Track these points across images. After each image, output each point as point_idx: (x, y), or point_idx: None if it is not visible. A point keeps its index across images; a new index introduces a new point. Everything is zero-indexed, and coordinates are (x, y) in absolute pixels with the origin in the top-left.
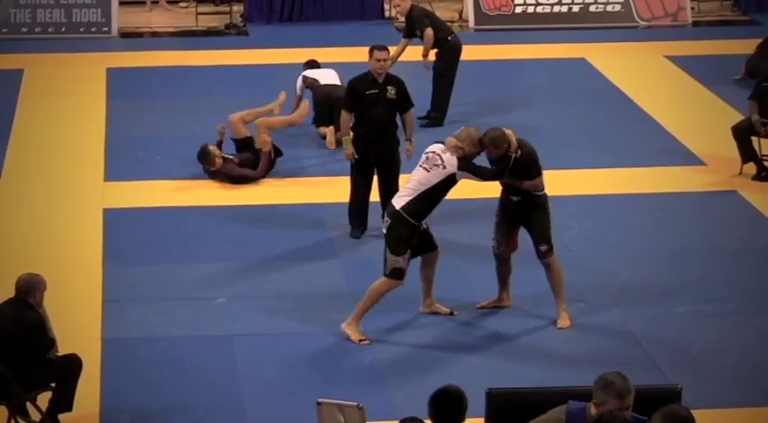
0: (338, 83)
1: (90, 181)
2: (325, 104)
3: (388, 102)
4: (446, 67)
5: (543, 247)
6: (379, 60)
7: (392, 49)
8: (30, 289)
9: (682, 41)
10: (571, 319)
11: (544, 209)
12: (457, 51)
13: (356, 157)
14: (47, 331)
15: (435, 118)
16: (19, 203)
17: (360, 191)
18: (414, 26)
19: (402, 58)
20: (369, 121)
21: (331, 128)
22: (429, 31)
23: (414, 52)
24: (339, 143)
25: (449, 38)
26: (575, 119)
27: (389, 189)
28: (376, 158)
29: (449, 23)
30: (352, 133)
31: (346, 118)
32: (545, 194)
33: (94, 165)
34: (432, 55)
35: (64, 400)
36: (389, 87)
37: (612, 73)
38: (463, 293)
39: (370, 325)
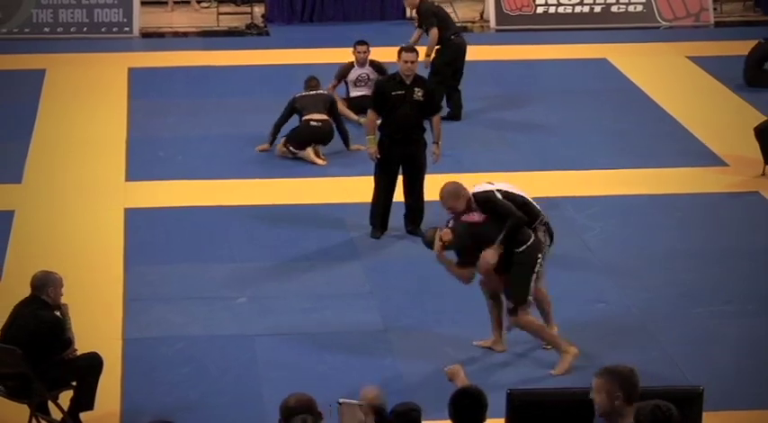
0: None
1: (111, 181)
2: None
3: (415, 103)
4: (442, 65)
5: (510, 305)
6: (406, 62)
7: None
8: (43, 286)
9: (704, 42)
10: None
11: (524, 265)
12: (458, 51)
13: (378, 156)
14: (63, 331)
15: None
16: (41, 203)
17: (382, 191)
18: (421, 21)
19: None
20: (394, 122)
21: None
22: (434, 32)
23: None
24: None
25: (452, 37)
26: (596, 119)
27: (413, 191)
28: (401, 159)
29: (469, 23)
30: (378, 133)
31: (372, 117)
32: (530, 247)
33: (116, 164)
34: (433, 53)
35: (85, 399)
36: (417, 89)
37: (634, 73)
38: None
39: (390, 325)
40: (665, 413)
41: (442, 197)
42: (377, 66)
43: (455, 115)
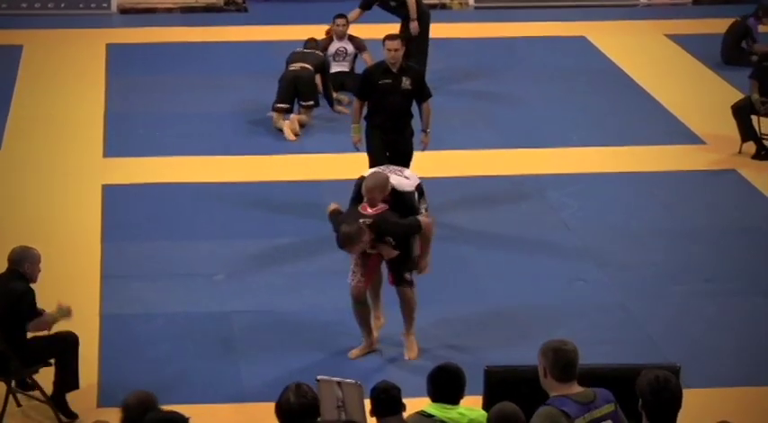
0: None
1: (89, 157)
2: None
3: (403, 92)
4: (421, 36)
5: (408, 276)
6: (390, 50)
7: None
8: (20, 261)
9: (682, 20)
10: (420, 347)
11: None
12: (427, 19)
13: (361, 145)
14: (33, 302)
15: None
16: (18, 180)
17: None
18: None
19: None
20: (383, 111)
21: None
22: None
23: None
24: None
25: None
26: (575, 97)
27: None
28: (389, 147)
29: (449, 0)
30: (364, 122)
31: (358, 106)
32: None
33: (93, 141)
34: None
35: (69, 379)
36: (404, 78)
37: (613, 52)
38: (467, 274)
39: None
40: (661, 383)
41: (370, 186)
42: (355, 40)
43: None
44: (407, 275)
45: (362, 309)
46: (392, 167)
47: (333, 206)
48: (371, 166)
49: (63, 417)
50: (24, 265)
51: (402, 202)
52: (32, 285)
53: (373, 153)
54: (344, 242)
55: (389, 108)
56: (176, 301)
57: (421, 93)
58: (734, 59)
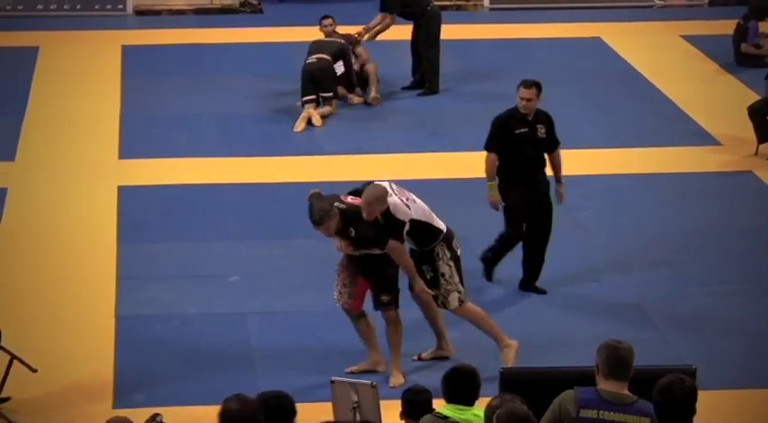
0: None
1: (105, 158)
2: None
3: (539, 141)
4: (434, 37)
5: (384, 298)
6: (522, 99)
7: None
8: None
9: (698, 21)
10: (404, 375)
11: (390, 262)
12: (439, 20)
13: (503, 203)
14: None
15: (430, 88)
16: (34, 181)
17: (515, 240)
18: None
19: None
20: (523, 163)
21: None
22: (388, 20)
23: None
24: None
25: (428, 8)
26: (590, 98)
27: (539, 238)
28: (529, 203)
29: (463, 2)
30: (497, 178)
31: (492, 159)
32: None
33: (109, 142)
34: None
35: None
36: (539, 126)
37: (628, 52)
38: (481, 275)
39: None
40: (670, 384)
41: (371, 200)
42: (344, 37)
43: (433, 88)
44: (384, 297)
45: (360, 323)
46: (407, 195)
47: (315, 191)
48: (513, 224)
49: None
50: None
51: (387, 222)
52: None
53: (515, 211)
54: (318, 216)
55: (529, 159)
56: (191, 303)
57: (553, 140)
58: (744, 61)
